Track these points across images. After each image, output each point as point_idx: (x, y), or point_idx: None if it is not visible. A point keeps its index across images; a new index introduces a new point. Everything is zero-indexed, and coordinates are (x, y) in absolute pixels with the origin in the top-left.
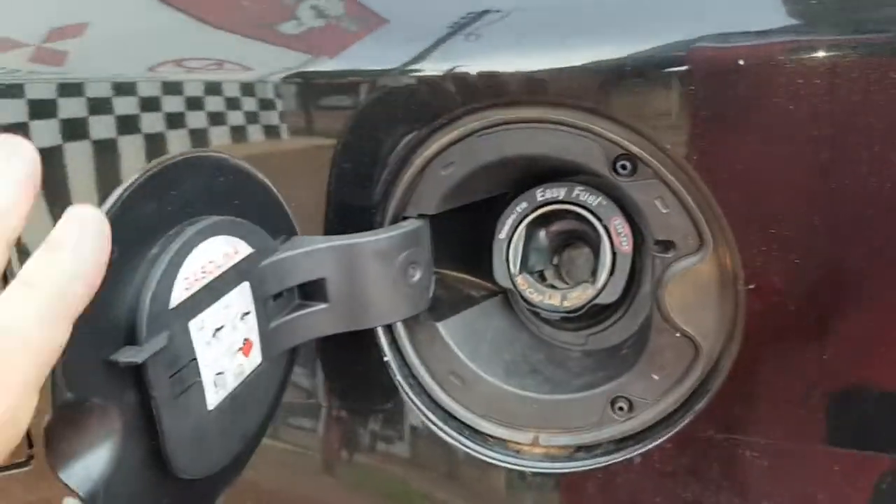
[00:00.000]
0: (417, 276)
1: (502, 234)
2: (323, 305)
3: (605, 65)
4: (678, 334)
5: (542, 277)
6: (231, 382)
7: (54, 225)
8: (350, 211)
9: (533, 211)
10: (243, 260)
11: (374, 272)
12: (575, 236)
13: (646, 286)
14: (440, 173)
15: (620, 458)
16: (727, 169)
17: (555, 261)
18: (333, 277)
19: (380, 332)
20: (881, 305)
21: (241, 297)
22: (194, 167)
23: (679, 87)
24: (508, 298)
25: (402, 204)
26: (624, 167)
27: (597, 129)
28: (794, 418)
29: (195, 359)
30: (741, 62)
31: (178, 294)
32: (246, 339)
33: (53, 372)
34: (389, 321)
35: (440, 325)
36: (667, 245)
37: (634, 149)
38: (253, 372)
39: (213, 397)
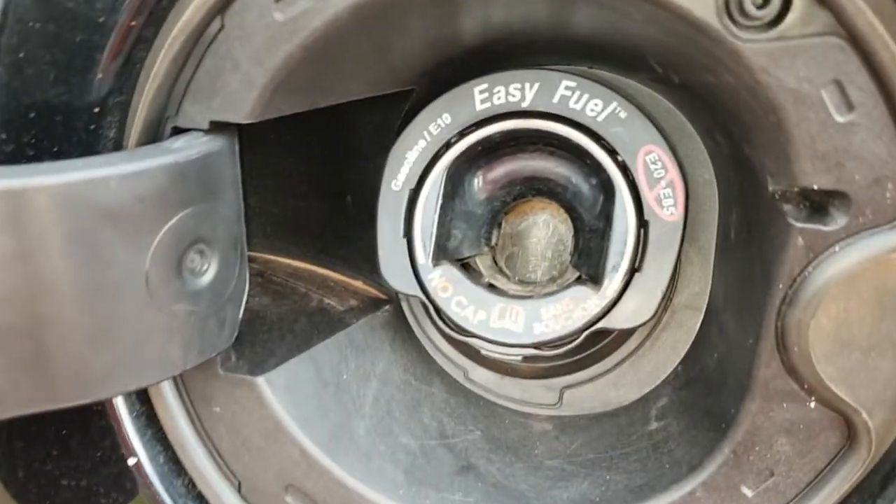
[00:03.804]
0: (208, 270)
1: (398, 181)
2: None
3: None
4: (813, 403)
5: (471, 272)
6: None
7: None
8: (42, 109)
9: (465, 132)
10: None
11: (97, 262)
12: (538, 188)
13: (689, 292)
14: (268, 17)
15: None
16: None
17: (494, 238)
18: None
19: (119, 407)
20: None
21: None
22: None
23: None
24: (404, 313)
25: (166, 95)
26: (764, 1)
27: None
28: None
29: None
30: None
31: None
32: None
33: None
34: (132, 388)
35: (262, 382)
36: (829, 203)
37: None
38: None
39: None
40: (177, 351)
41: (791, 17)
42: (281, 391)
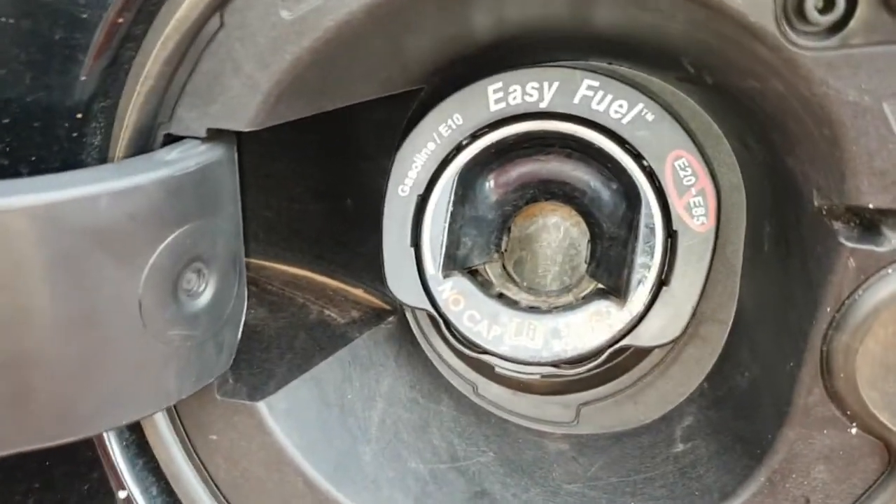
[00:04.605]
0: (206, 290)
1: (405, 186)
2: None
3: None
4: (854, 429)
5: (482, 282)
6: None
7: None
8: (18, 114)
9: (477, 134)
10: None
11: (85, 289)
12: (552, 191)
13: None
14: (273, 16)
15: None
16: None
17: (504, 243)
18: None
19: (108, 436)
20: None
21: None
22: None
23: None
24: (409, 324)
25: (158, 100)
26: (827, 5)
27: None
28: None
29: None
30: None
31: None
32: None
33: None
34: (123, 422)
35: (263, 407)
36: (881, 222)
37: None
38: None
39: None
40: (172, 380)
41: (854, 24)
42: (282, 416)
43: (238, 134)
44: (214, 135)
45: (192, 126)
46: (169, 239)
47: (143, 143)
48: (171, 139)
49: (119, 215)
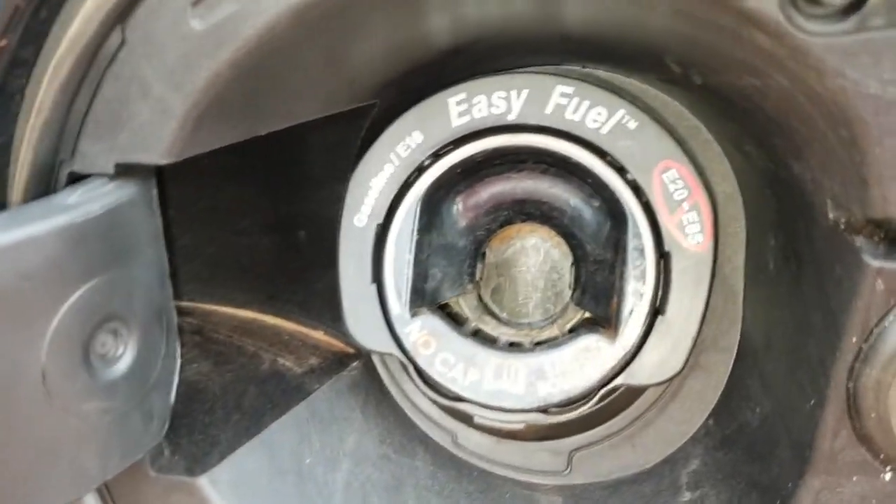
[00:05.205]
0: (125, 353)
1: (362, 215)
2: None
3: None
4: (888, 474)
5: (455, 318)
6: None
7: None
8: None
9: (440, 153)
10: None
11: None
12: (528, 212)
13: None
14: (183, 27)
15: None
16: None
17: (479, 271)
18: None
19: None
20: None
21: None
22: None
23: None
24: (376, 369)
25: (57, 133)
26: None
27: None
28: None
29: None
30: None
31: None
32: None
33: None
34: None
35: (205, 483)
36: None
37: None
38: None
39: None
40: (92, 460)
41: (874, 1)
42: (228, 491)
43: (159, 167)
44: (125, 170)
45: (99, 161)
46: (74, 297)
47: (45, 186)
48: (76, 178)
49: (9, 275)
